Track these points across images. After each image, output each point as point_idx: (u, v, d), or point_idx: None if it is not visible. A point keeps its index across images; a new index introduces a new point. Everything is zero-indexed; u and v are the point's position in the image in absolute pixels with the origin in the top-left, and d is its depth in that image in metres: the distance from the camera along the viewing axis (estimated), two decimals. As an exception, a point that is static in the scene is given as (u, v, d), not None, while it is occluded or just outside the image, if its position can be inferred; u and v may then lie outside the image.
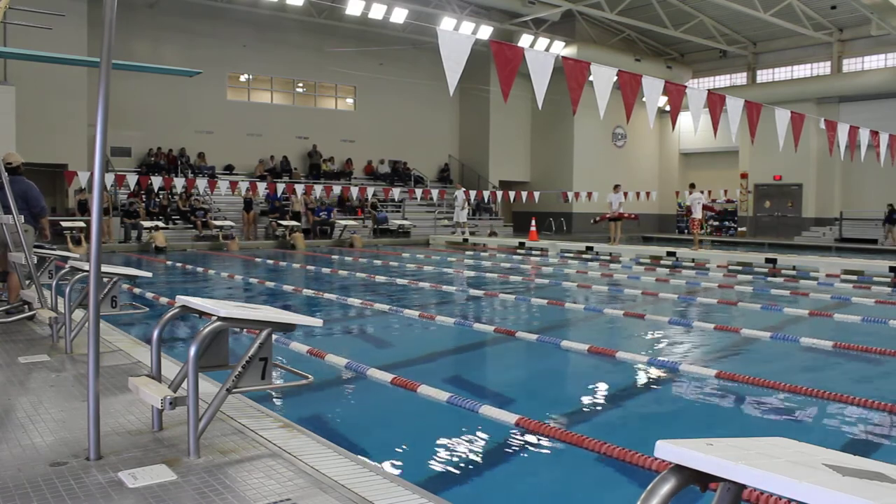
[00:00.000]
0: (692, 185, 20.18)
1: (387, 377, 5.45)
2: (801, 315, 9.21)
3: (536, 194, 25.25)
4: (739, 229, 28.82)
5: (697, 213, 19.38)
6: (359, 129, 27.57)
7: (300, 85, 27.11)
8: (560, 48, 26.96)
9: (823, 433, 4.61)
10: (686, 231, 28.09)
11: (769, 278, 13.45)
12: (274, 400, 5.02)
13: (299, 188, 22.05)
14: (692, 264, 16.69)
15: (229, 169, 24.45)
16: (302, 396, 5.20)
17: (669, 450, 1.48)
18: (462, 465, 3.94)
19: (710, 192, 28.11)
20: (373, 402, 5.32)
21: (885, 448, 4.34)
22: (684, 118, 26.77)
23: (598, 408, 5.35)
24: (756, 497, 2.96)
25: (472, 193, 24.72)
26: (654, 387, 5.83)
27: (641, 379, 5.96)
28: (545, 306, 9.99)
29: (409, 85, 27.41)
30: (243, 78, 25.78)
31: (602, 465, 3.87)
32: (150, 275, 6.82)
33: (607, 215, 20.77)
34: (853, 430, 4.65)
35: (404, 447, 4.22)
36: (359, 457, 3.40)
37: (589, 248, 19.69)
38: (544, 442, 4.21)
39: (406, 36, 26.13)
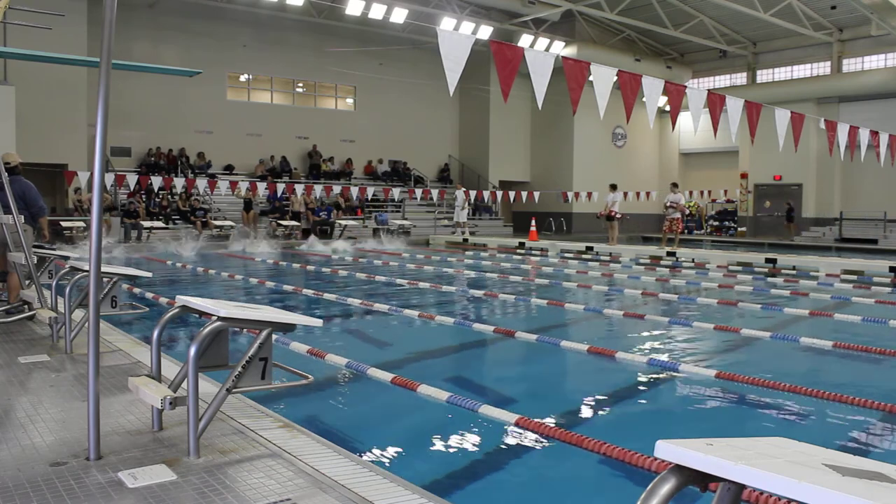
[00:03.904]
0: (675, 185, 19.89)
1: (387, 377, 5.45)
2: (801, 315, 9.21)
3: (536, 194, 25.24)
4: (739, 229, 28.82)
5: (676, 213, 19.11)
6: (359, 129, 27.57)
7: (300, 85, 27.12)
8: (560, 48, 26.96)
9: (823, 433, 4.61)
10: (687, 231, 28.08)
11: (769, 278, 13.45)
12: (274, 400, 5.02)
13: (299, 188, 22.05)
14: (692, 264, 16.70)
15: (229, 169, 24.46)
16: (302, 396, 5.19)
17: (669, 450, 1.48)
18: (462, 464, 3.94)
19: (710, 192, 28.14)
20: (373, 401, 5.31)
21: (885, 448, 4.34)
22: (684, 118, 26.79)
23: (598, 408, 5.35)
24: (756, 497, 2.96)
25: (472, 193, 24.72)
26: (654, 387, 5.83)
27: (641, 379, 5.95)
28: (545, 306, 9.99)
29: (409, 85, 27.41)
30: (243, 78, 25.79)
31: (602, 465, 3.86)
32: (150, 275, 6.82)
33: (602, 213, 20.75)
34: (853, 430, 4.65)
35: (404, 447, 4.22)
36: (359, 457, 3.40)
37: (589, 248, 19.68)
38: (544, 442, 4.21)
39: (406, 36, 26.13)
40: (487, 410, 4.62)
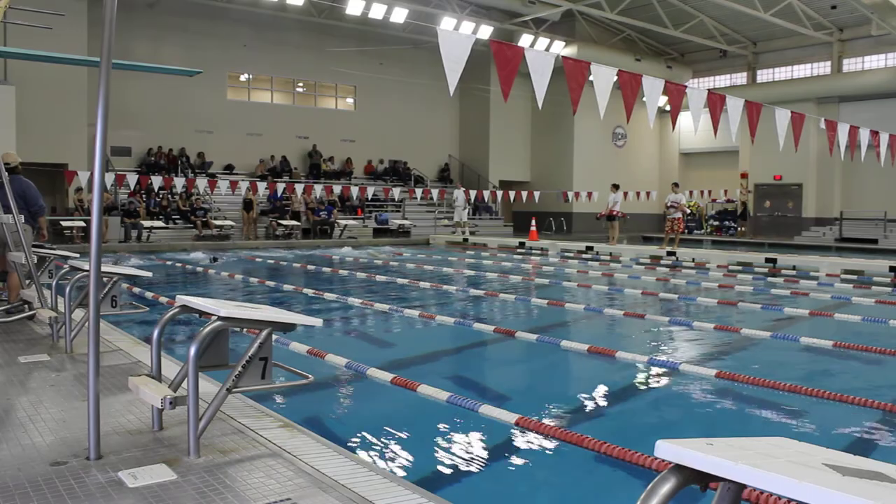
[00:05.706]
0: (675, 185, 19.81)
1: (387, 377, 5.45)
2: (801, 315, 9.21)
3: (536, 194, 25.23)
4: (739, 229, 28.80)
5: (677, 213, 18.98)
6: (359, 129, 27.56)
7: (300, 85, 27.11)
8: (560, 48, 26.96)
9: (823, 433, 4.61)
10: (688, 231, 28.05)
11: (769, 278, 13.44)
12: (274, 400, 5.02)
13: (299, 188, 22.05)
14: (692, 264, 16.70)
15: (229, 169, 24.45)
16: (302, 396, 5.19)
17: (669, 449, 1.48)
18: (462, 464, 3.94)
19: (710, 192, 28.11)
20: (373, 401, 5.32)
21: (885, 448, 4.34)
22: (684, 118, 26.77)
23: (598, 408, 5.35)
24: (756, 497, 2.96)
25: (472, 193, 24.71)
26: (654, 387, 5.83)
27: (641, 379, 5.95)
28: (545, 306, 9.98)
29: (409, 85, 27.40)
30: (243, 78, 25.78)
31: (602, 465, 3.86)
32: (150, 275, 6.81)
33: (603, 213, 20.72)
34: (853, 430, 4.65)
35: (404, 447, 4.22)
36: (359, 457, 3.40)
37: (589, 248, 19.68)
38: (544, 442, 4.21)
39: (406, 36, 26.13)
40: (487, 410, 4.62)
